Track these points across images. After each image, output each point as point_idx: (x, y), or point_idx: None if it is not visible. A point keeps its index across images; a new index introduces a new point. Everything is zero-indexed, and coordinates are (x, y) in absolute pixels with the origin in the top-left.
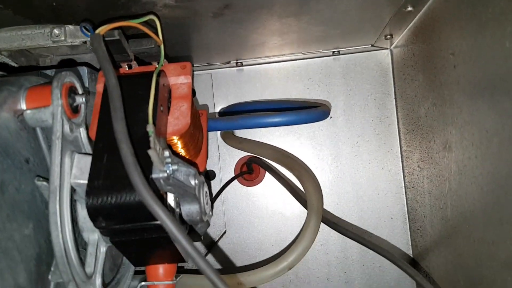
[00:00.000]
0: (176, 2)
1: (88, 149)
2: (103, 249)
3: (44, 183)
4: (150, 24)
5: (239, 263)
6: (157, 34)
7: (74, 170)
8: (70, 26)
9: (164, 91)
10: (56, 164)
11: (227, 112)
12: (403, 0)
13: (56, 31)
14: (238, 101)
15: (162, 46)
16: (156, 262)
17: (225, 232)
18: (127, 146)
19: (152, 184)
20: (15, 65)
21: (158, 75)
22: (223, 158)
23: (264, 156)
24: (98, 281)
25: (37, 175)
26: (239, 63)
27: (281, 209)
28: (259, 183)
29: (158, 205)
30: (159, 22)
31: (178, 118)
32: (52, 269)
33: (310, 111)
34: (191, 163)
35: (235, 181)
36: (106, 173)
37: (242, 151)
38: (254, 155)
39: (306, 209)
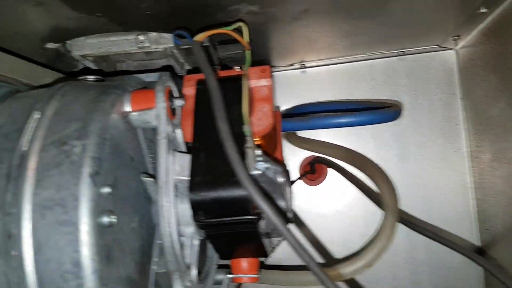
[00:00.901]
0: (260, 8)
1: (183, 148)
2: (196, 242)
3: (150, 179)
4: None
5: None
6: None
7: (176, 167)
8: (153, 33)
9: (250, 93)
10: (163, 162)
11: (291, 114)
12: (477, 2)
13: (141, 37)
14: (301, 102)
15: (248, 51)
16: (241, 256)
17: None
18: (231, 144)
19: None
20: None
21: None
22: (285, 158)
23: (332, 156)
24: (194, 272)
25: (142, 172)
26: (302, 65)
27: (346, 209)
28: (321, 182)
29: (263, 199)
30: (247, 28)
31: (261, 119)
32: (155, 259)
33: (384, 111)
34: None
35: (298, 180)
36: (206, 170)
37: (302, 152)
38: (320, 155)
39: (381, 208)
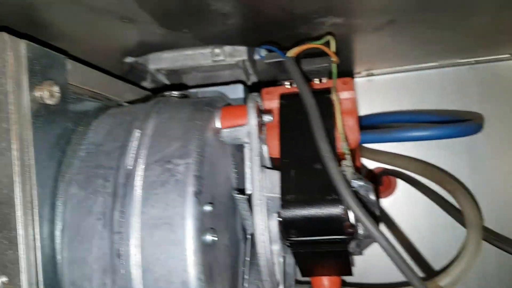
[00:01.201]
0: (345, 20)
1: (269, 163)
2: (281, 259)
3: (243, 196)
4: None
5: (372, 279)
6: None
7: (266, 184)
8: (227, 46)
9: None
10: (257, 179)
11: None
12: None
13: (216, 51)
14: (366, 112)
15: (335, 65)
16: (324, 274)
17: None
18: (334, 165)
19: None
20: (168, 82)
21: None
22: None
23: (407, 169)
24: (281, 287)
25: (233, 189)
26: (370, 73)
27: (415, 222)
28: (389, 195)
29: (371, 221)
30: (334, 41)
31: (346, 134)
32: (246, 277)
33: (468, 124)
34: None
35: None
36: (298, 187)
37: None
38: (390, 167)
39: (461, 224)
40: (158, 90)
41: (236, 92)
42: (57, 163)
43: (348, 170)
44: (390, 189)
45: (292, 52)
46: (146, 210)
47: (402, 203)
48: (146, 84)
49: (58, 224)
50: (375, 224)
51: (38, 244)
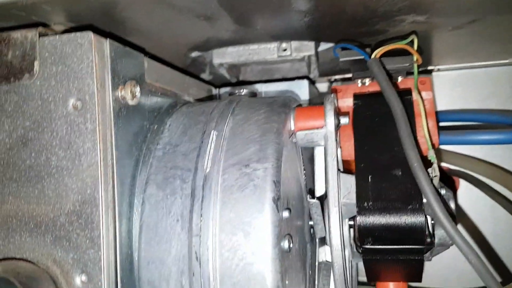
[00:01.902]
0: (427, 18)
1: (341, 167)
2: (349, 264)
3: (316, 201)
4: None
5: (430, 283)
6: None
7: (342, 190)
8: (295, 41)
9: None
10: (333, 185)
11: None
12: None
13: (284, 45)
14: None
15: (416, 65)
16: (391, 280)
17: None
18: (424, 175)
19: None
20: (227, 76)
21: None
22: None
23: (474, 171)
24: None
25: (304, 191)
26: (435, 70)
27: (478, 225)
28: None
29: (459, 234)
30: (417, 40)
31: (424, 137)
32: (316, 282)
33: None
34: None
35: None
36: (375, 194)
37: None
38: (454, 167)
39: None
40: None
41: (302, 88)
42: (135, 161)
43: (435, 180)
44: (453, 190)
45: (376, 53)
46: (224, 214)
47: (464, 205)
48: (205, 76)
49: (135, 222)
50: (462, 236)
51: (117, 243)
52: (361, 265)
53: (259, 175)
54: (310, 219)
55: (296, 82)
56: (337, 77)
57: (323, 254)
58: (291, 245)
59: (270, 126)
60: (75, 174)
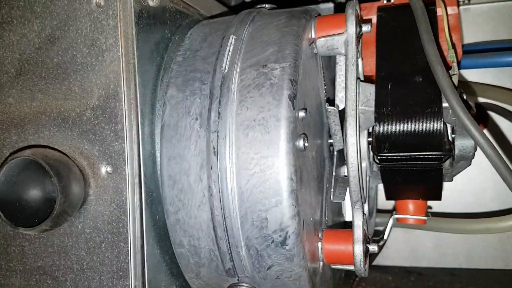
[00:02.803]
0: None
1: (362, 77)
2: (367, 178)
3: (334, 108)
4: None
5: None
6: None
7: (360, 97)
8: None
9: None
10: (352, 89)
11: None
12: None
13: None
14: (463, 42)
15: None
16: (410, 197)
17: None
18: (442, 68)
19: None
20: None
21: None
22: None
23: (501, 101)
24: (366, 206)
25: (326, 102)
26: (466, 2)
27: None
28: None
29: (477, 129)
30: None
31: (448, 50)
32: (332, 190)
33: None
34: None
35: None
36: (394, 100)
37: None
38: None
39: None
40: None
41: (326, 12)
42: (157, 68)
43: (454, 78)
44: (481, 125)
45: None
46: (241, 112)
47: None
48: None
49: (157, 125)
50: (481, 131)
51: (140, 139)
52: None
53: (276, 74)
54: (330, 136)
55: (322, 5)
56: None
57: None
58: (306, 144)
59: (290, 29)
60: (99, 70)
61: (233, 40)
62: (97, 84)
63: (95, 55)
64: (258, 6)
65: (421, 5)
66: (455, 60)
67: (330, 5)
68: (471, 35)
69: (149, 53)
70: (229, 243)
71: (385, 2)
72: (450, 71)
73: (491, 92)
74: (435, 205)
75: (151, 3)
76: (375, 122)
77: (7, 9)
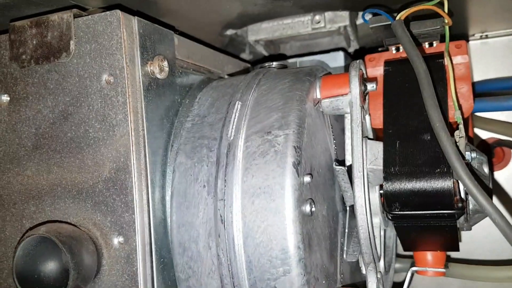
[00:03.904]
0: None
1: (371, 134)
2: (382, 232)
3: (342, 168)
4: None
5: (480, 256)
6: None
7: (368, 156)
8: (329, 12)
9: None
10: (358, 151)
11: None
12: None
13: (317, 17)
14: (481, 76)
15: (447, 27)
16: (427, 249)
17: None
18: (446, 135)
19: None
20: (266, 54)
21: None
22: None
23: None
24: (382, 262)
25: (335, 160)
26: (484, 35)
27: None
28: (503, 167)
29: (484, 196)
30: (447, 1)
31: (460, 101)
32: (345, 248)
33: None
34: None
35: None
36: (402, 159)
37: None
38: (505, 137)
39: None
40: (257, 62)
41: (337, 60)
42: (167, 134)
43: (461, 141)
44: (504, 162)
45: (401, 16)
46: (247, 179)
47: None
48: (245, 56)
49: (168, 190)
50: (488, 198)
51: (151, 207)
52: None
53: (280, 141)
54: None
55: (332, 54)
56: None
57: None
58: (313, 209)
59: (293, 94)
60: (110, 144)
61: (239, 106)
62: (108, 157)
63: (106, 130)
64: (266, 65)
65: (424, 68)
66: (462, 122)
67: (340, 53)
68: (491, 68)
69: (159, 121)
70: None
71: (394, 52)
72: (456, 133)
73: (510, 129)
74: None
75: (159, 76)
76: (384, 181)
77: (23, 85)
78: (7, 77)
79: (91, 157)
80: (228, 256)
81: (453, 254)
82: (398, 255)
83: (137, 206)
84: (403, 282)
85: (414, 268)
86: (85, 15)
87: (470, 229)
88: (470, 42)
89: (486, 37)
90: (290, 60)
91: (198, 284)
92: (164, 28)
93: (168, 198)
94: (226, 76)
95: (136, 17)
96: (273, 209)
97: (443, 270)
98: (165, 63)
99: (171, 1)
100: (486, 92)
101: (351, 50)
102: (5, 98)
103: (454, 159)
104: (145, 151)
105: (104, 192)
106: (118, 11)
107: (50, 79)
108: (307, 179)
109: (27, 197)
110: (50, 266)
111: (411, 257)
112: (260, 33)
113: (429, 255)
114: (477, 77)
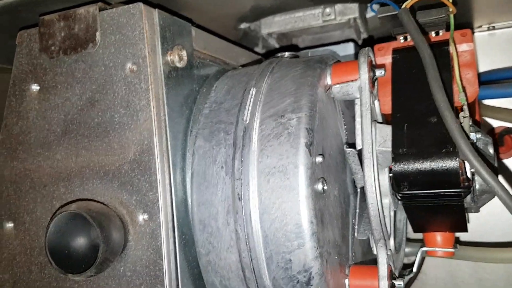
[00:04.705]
0: None
1: (380, 119)
2: (391, 213)
3: (353, 150)
4: None
5: (490, 238)
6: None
7: (377, 138)
8: (338, 4)
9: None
10: (367, 133)
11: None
12: None
13: (327, 10)
14: (488, 68)
15: (452, 15)
16: (436, 230)
17: None
18: (450, 114)
19: None
20: (277, 46)
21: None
22: None
23: None
24: (392, 241)
25: (345, 143)
26: (491, 27)
27: None
28: (511, 156)
29: (489, 172)
30: None
31: (465, 87)
32: (356, 227)
33: None
34: None
35: None
36: (410, 141)
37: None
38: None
39: None
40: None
41: (347, 50)
42: (186, 120)
43: (465, 121)
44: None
45: (406, 4)
46: (262, 160)
47: None
48: (258, 49)
49: (188, 171)
50: (494, 175)
51: (172, 187)
52: None
53: (293, 124)
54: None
55: (342, 45)
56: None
57: None
58: (324, 187)
59: (305, 80)
60: (134, 128)
61: (254, 93)
62: (133, 140)
63: (130, 115)
64: (279, 55)
65: (429, 53)
66: (466, 103)
67: (350, 44)
68: (497, 60)
69: (178, 108)
70: (257, 283)
71: (402, 41)
72: (461, 114)
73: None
74: (471, 234)
75: (178, 65)
76: (392, 162)
77: (52, 75)
78: (37, 67)
79: (117, 140)
80: (245, 231)
81: (463, 237)
82: (409, 240)
83: (160, 185)
84: (413, 264)
85: (424, 248)
86: (109, 8)
87: (478, 211)
88: (477, 34)
89: (493, 28)
90: (302, 52)
91: (218, 258)
92: (183, 20)
93: (188, 179)
94: (241, 68)
95: (157, 9)
96: (287, 186)
97: (452, 250)
98: (184, 53)
99: None
100: (493, 81)
101: (361, 42)
102: (35, 87)
103: (458, 137)
104: (166, 134)
105: (129, 172)
106: (141, 4)
107: (77, 68)
108: (319, 159)
109: (57, 179)
110: (81, 241)
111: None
112: (272, 26)
113: (438, 236)
114: (484, 68)
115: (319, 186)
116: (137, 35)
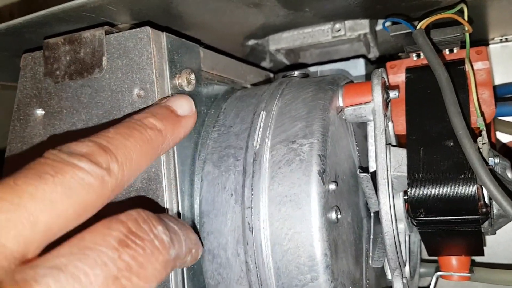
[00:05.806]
0: None
1: (394, 141)
2: (407, 238)
3: (366, 174)
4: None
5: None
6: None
7: (392, 163)
8: (349, 20)
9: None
10: (382, 158)
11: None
12: None
13: (337, 26)
14: (502, 80)
15: (467, 34)
16: (451, 254)
17: None
18: (470, 142)
19: None
20: (286, 61)
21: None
22: None
23: None
24: (407, 268)
25: (359, 167)
26: (504, 39)
27: None
28: None
29: (508, 201)
30: (467, 9)
31: (481, 107)
32: (370, 254)
33: None
34: None
35: None
36: (426, 166)
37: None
38: None
39: None
40: (278, 70)
41: (358, 67)
42: (194, 144)
43: (484, 147)
44: None
45: (421, 25)
46: (273, 188)
47: None
48: (265, 64)
49: (196, 198)
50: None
51: (180, 216)
52: None
53: (305, 150)
54: None
55: (352, 61)
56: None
57: None
58: (338, 216)
59: (316, 103)
60: None
61: (264, 116)
62: None
63: None
64: (288, 75)
65: (446, 76)
66: (484, 128)
67: (361, 60)
68: (510, 72)
69: None
70: None
71: (414, 58)
72: (479, 139)
73: None
74: (486, 256)
75: (187, 89)
76: (408, 187)
77: (57, 100)
78: (42, 92)
79: None
80: (256, 263)
81: (478, 258)
82: (423, 260)
83: (168, 214)
84: (428, 287)
85: (439, 273)
86: (116, 32)
87: (495, 234)
88: (490, 46)
89: (506, 40)
90: (311, 69)
91: None
92: (191, 42)
93: (196, 206)
94: (248, 86)
95: (164, 32)
96: (300, 216)
97: (468, 274)
98: (192, 76)
99: (196, 15)
100: (507, 95)
101: (371, 56)
102: (40, 112)
103: (477, 166)
104: (174, 161)
105: (136, 201)
106: (148, 28)
107: (83, 93)
108: (332, 186)
109: None
110: None
111: (435, 261)
112: (281, 42)
113: (454, 260)
114: (498, 81)
115: (333, 215)
116: (145, 60)
